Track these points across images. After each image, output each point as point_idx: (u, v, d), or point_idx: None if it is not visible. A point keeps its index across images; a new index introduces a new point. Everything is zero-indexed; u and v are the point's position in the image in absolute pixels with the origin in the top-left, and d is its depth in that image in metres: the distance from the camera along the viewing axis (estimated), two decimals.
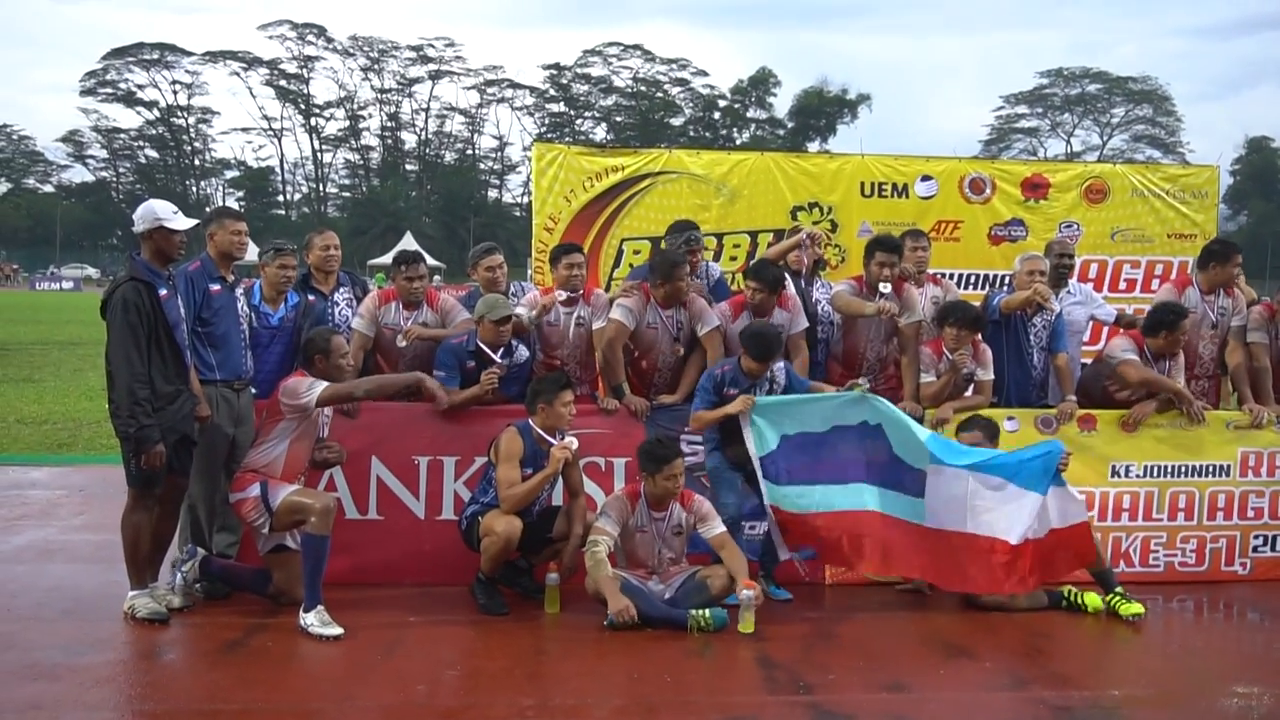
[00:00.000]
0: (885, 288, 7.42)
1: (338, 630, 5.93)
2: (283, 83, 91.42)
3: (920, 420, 7.27)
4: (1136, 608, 6.52)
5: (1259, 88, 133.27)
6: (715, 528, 6.46)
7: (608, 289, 8.30)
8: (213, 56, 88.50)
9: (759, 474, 6.80)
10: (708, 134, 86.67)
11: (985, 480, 6.50)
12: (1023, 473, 6.49)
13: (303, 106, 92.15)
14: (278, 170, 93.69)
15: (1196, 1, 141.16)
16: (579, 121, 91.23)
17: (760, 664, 5.76)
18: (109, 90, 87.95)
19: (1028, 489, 6.43)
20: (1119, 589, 6.64)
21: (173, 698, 5.29)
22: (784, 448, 6.78)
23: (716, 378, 6.89)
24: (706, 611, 6.19)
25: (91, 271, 66.58)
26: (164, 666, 5.79)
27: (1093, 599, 6.68)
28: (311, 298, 7.51)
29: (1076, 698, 5.31)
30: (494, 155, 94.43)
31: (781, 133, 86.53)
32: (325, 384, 6.27)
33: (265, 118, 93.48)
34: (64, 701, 4.99)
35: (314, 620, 5.98)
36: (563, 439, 6.53)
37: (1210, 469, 7.50)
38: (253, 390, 6.86)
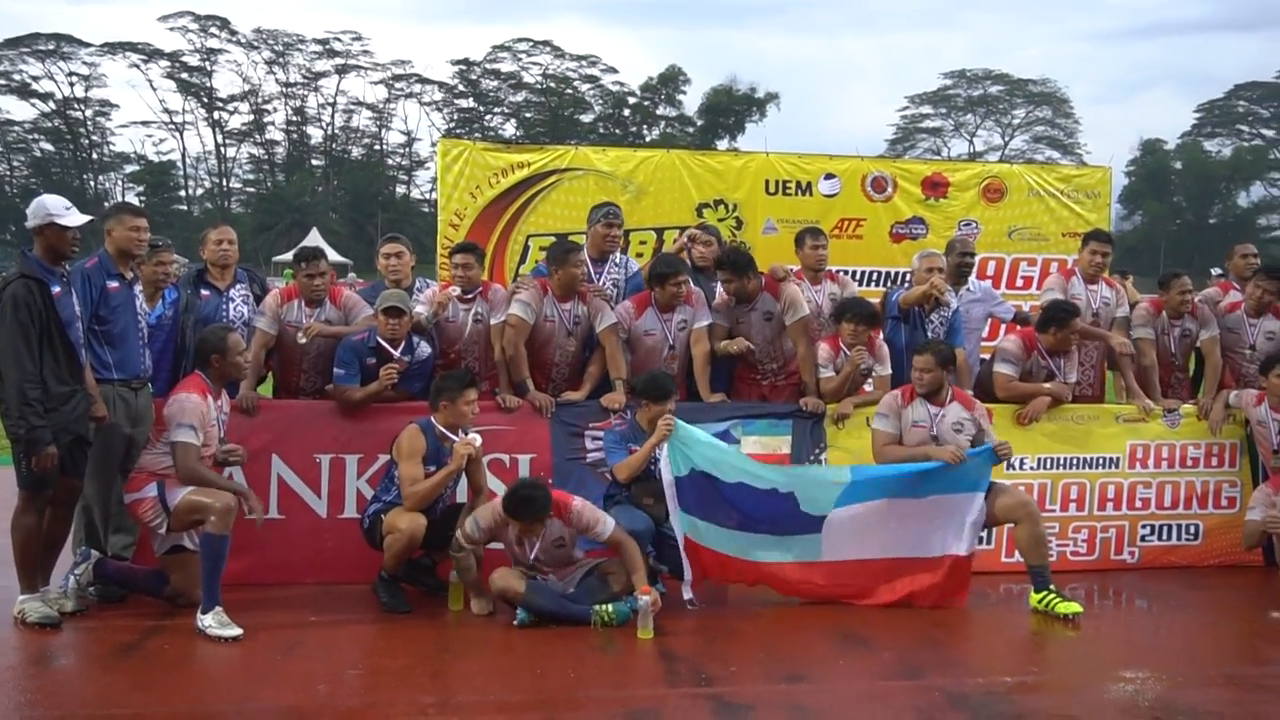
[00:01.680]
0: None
1: (236, 631, 5.84)
2: (184, 75, 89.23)
3: (822, 415, 7.41)
4: (1074, 606, 6.57)
5: (1154, 91, 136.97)
6: (605, 530, 6.34)
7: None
8: (111, 48, 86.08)
9: (672, 500, 6.63)
10: (618, 131, 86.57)
11: (897, 505, 6.75)
12: (956, 477, 6.71)
13: (205, 100, 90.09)
14: (179, 165, 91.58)
15: (1096, 6, 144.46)
16: (488, 117, 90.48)
17: (662, 658, 5.80)
18: (2, 82, 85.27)
19: (965, 492, 6.70)
20: (1053, 587, 6.68)
21: (65, 703, 5.17)
22: (690, 478, 6.67)
23: (617, 435, 6.90)
24: (610, 606, 6.19)
25: None
26: (56, 671, 5.66)
27: (1033, 596, 6.73)
28: (206, 293, 7.40)
29: (970, 685, 5.44)
30: (402, 150, 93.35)
31: (691, 130, 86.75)
32: (187, 441, 6.05)
33: (166, 111, 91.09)
34: None
35: (212, 621, 5.88)
36: (466, 435, 6.51)
37: (1100, 461, 7.74)
38: (150, 389, 6.73)
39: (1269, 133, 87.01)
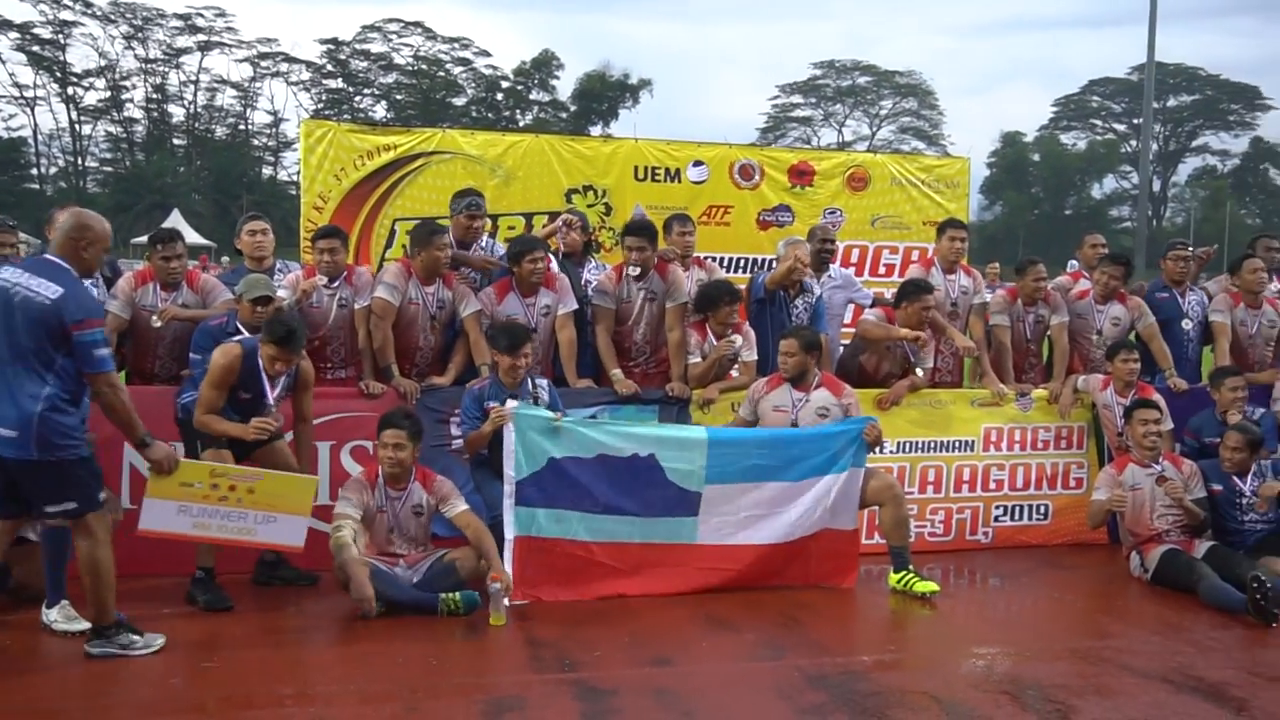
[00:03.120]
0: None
1: (84, 625, 5.60)
2: (36, 48, 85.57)
3: (688, 401, 7.46)
4: (931, 585, 6.72)
5: (1014, 84, 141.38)
6: (457, 506, 6.36)
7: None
8: None
9: (508, 499, 6.51)
10: (490, 115, 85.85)
11: (774, 487, 6.83)
12: (826, 452, 6.83)
13: (59, 75, 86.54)
14: (31, 142, 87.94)
15: (963, 0, 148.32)
16: (358, 99, 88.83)
17: (525, 644, 5.80)
18: None
19: (842, 470, 6.82)
20: (911, 567, 6.83)
21: None
22: (549, 471, 6.58)
23: (475, 394, 6.80)
24: (456, 594, 6.14)
25: None
26: None
27: (892, 576, 6.87)
28: None
29: (829, 664, 5.54)
30: (268, 131, 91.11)
31: (564, 115, 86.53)
32: None
33: (16, 85, 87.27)
34: None
35: (58, 616, 5.67)
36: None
37: (956, 444, 7.98)
38: None
39: (1120, 127, 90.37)
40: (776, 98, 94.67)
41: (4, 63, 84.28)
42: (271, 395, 6.27)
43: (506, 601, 6.09)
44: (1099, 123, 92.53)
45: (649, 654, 5.71)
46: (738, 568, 6.79)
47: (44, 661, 5.46)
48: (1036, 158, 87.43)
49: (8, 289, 5.16)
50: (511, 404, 6.59)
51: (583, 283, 7.91)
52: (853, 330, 8.82)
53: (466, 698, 5.05)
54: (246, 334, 6.57)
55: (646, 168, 10.16)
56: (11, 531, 5.82)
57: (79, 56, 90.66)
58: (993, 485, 8.05)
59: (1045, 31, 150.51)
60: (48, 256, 5.36)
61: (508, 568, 6.33)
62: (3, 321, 5.13)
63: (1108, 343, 8.34)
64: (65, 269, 5.23)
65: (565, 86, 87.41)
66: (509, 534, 6.47)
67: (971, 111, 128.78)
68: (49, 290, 5.10)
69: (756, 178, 10.35)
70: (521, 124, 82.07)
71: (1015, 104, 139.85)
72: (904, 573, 6.81)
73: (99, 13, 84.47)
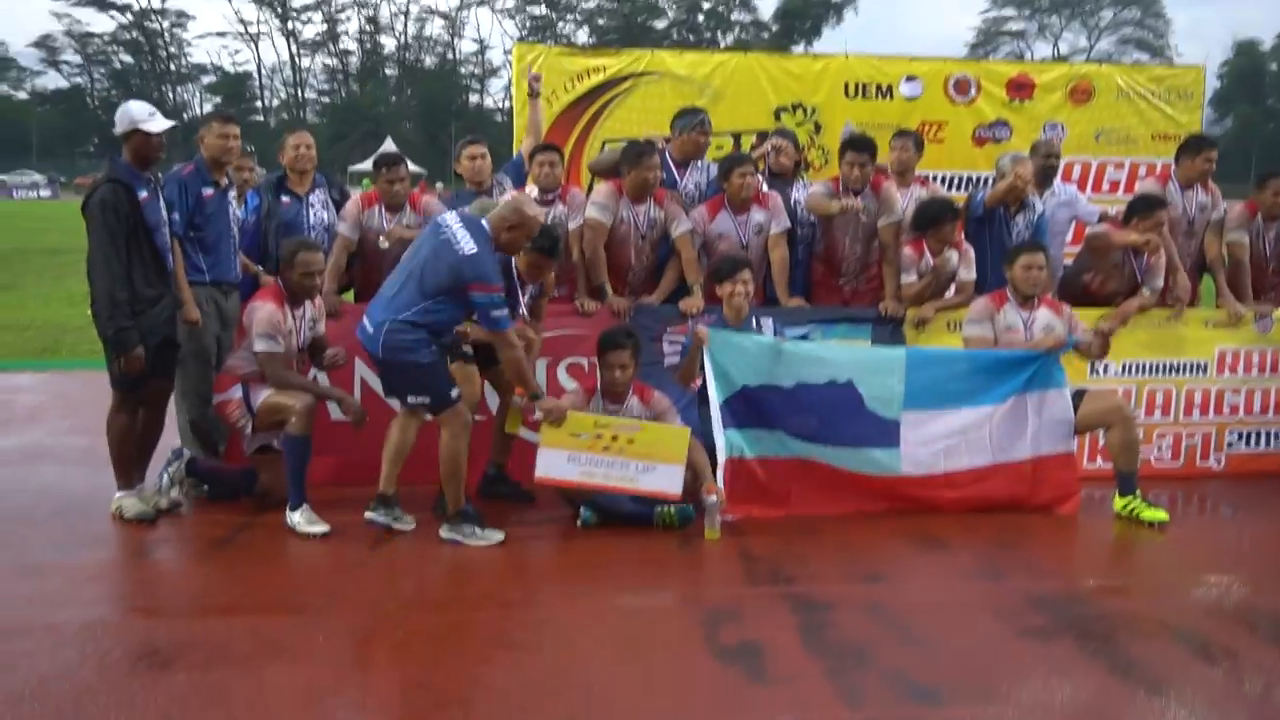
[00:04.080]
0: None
1: (324, 528, 6.00)
2: None
3: (902, 320, 7.33)
4: (1160, 514, 6.49)
5: None
6: (675, 424, 6.41)
7: (589, 192, 8.25)
8: None
9: (716, 422, 6.51)
10: (691, 36, 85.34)
11: (974, 413, 6.69)
12: (1026, 373, 6.67)
13: (279, 10, 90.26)
14: (255, 76, 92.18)
15: None
16: (561, 24, 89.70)
17: (740, 557, 5.85)
18: None
19: (1053, 388, 6.67)
20: (1138, 493, 6.62)
21: (163, 594, 5.39)
22: (741, 398, 6.54)
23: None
24: (671, 508, 6.23)
25: (37, 177, 64.85)
26: (154, 564, 5.87)
27: (1117, 501, 6.68)
28: (286, 199, 7.47)
29: (1051, 588, 5.42)
30: (475, 59, 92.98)
31: (766, 36, 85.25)
32: (269, 350, 6.19)
33: (241, 22, 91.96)
34: (57, 597, 5.05)
35: (300, 519, 6.04)
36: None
37: (1187, 367, 7.60)
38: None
39: None
40: (987, 11, 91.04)
41: (230, 1, 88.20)
42: (523, 302, 6.53)
43: (720, 516, 6.17)
44: None
45: (862, 570, 5.71)
46: (949, 494, 6.67)
47: (288, 560, 5.83)
48: (1274, 67, 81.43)
49: (440, 228, 5.90)
50: (703, 327, 6.60)
51: (793, 202, 7.83)
52: (1076, 250, 8.49)
53: (684, 607, 5.17)
54: None
55: (857, 84, 9.92)
56: (421, 414, 6.16)
57: None
58: (1227, 410, 7.65)
59: None
60: (482, 222, 5.93)
61: (720, 486, 6.39)
62: (423, 249, 5.93)
63: None
64: (487, 237, 5.86)
65: (767, 6, 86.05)
66: (720, 456, 6.50)
67: (1200, 19, 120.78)
68: (468, 246, 5.76)
69: (972, 92, 9.98)
70: (722, 45, 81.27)
71: (1250, 10, 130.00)
72: (1130, 498, 6.57)
73: None
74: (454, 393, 5.96)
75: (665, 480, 6.16)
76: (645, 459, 6.15)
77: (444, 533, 5.96)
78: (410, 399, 5.98)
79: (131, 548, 5.95)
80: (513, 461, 6.74)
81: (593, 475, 6.17)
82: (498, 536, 5.93)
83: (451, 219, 5.95)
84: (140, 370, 6.02)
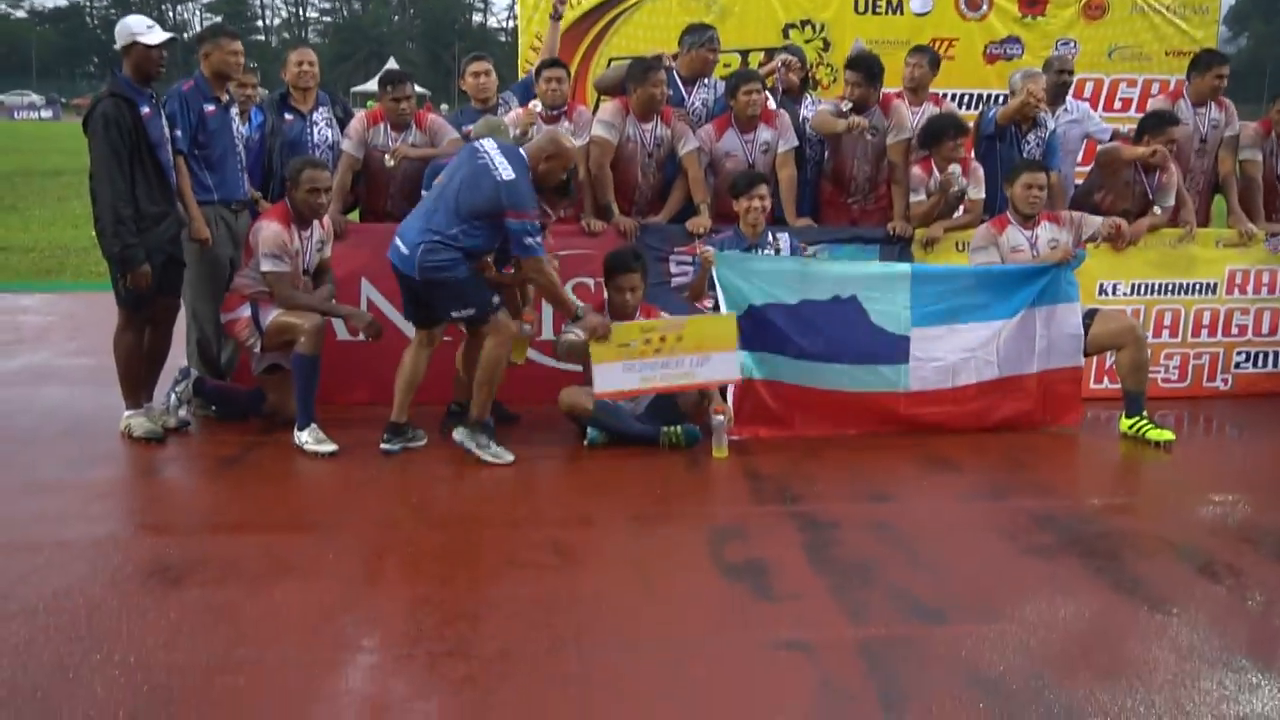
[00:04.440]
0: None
1: (332, 447, 6.02)
2: None
3: (910, 239, 7.28)
4: (1166, 434, 6.50)
5: None
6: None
7: (594, 110, 8.15)
8: None
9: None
10: None
11: (984, 328, 6.67)
12: (1035, 286, 6.65)
13: None
14: None
15: None
16: None
17: (746, 476, 5.87)
18: None
19: (1062, 302, 6.65)
20: (1145, 413, 6.61)
21: (172, 511, 5.43)
22: (749, 318, 6.49)
23: (714, 243, 6.73)
24: (678, 428, 6.25)
25: (35, 98, 64.23)
26: (163, 482, 5.90)
27: (1124, 421, 6.68)
28: (289, 116, 7.40)
29: (1056, 506, 5.44)
30: None
31: None
32: (277, 270, 6.18)
33: None
34: (67, 514, 5.09)
35: (308, 438, 6.06)
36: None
37: (1197, 287, 7.55)
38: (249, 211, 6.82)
39: None
40: None
41: None
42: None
43: (727, 436, 6.18)
44: None
45: (868, 489, 5.73)
46: (955, 410, 6.67)
47: (297, 478, 5.86)
48: None
49: (477, 152, 5.88)
50: (709, 249, 6.57)
51: (801, 120, 7.74)
52: (1087, 169, 8.40)
53: (691, 525, 5.19)
54: None
55: (866, 0, 9.77)
56: (437, 340, 6.27)
57: None
58: (1235, 330, 7.61)
59: None
60: (521, 150, 5.94)
61: (728, 405, 6.40)
62: (459, 172, 5.89)
63: None
64: (525, 165, 5.84)
65: None
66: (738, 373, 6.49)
67: None
68: (505, 172, 5.74)
69: (984, 8, 9.80)
70: None
71: None
72: (1137, 418, 6.57)
73: None
74: (495, 300, 5.98)
75: (723, 368, 6.23)
76: (698, 351, 6.18)
77: (457, 435, 6.01)
78: (454, 313, 5.98)
79: (140, 466, 5.98)
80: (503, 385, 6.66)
81: (651, 379, 6.19)
82: (508, 457, 5.94)
83: (489, 144, 5.92)
84: (146, 287, 6.00)
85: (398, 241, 5.94)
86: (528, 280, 6.18)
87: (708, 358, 6.20)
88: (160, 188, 6.09)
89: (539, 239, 5.88)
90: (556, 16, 8.28)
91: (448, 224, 5.78)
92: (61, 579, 4.33)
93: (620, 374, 6.15)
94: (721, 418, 6.13)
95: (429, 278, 5.82)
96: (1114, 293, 7.42)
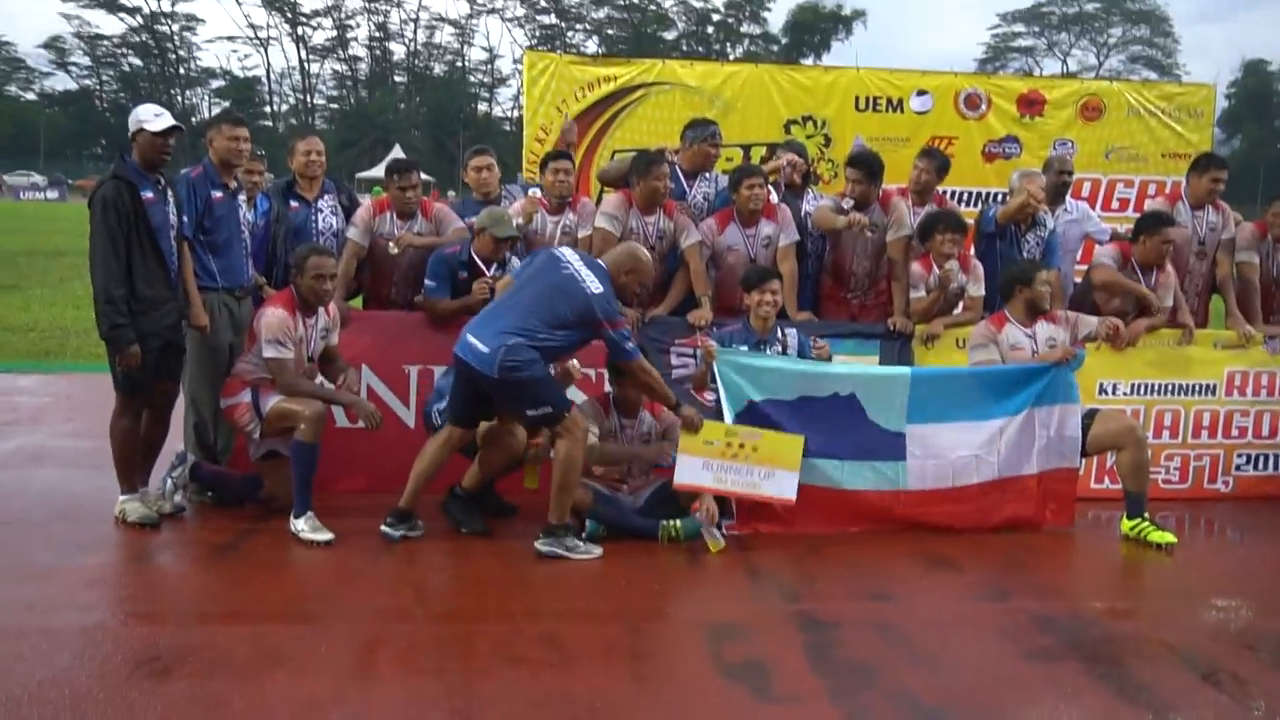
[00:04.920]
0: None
1: (328, 535, 5.97)
2: None
3: (910, 336, 7.30)
4: (1168, 536, 6.44)
5: (1257, 9, 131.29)
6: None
7: (598, 201, 8.24)
8: None
9: None
10: (700, 48, 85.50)
11: (983, 427, 6.66)
12: (1035, 386, 6.65)
13: (289, 15, 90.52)
14: (264, 80, 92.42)
15: None
16: (570, 34, 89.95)
17: (746, 574, 5.82)
18: None
19: (1061, 403, 6.64)
20: (1146, 514, 6.57)
21: (164, 599, 5.36)
22: (749, 414, 6.52)
23: (720, 336, 6.77)
24: (677, 521, 6.21)
25: (38, 179, 64.97)
26: (156, 569, 5.83)
27: (1125, 523, 6.63)
28: (294, 204, 7.45)
29: (1058, 609, 5.37)
30: (484, 68, 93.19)
31: (775, 49, 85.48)
32: (280, 357, 6.16)
33: (251, 26, 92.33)
34: (56, 601, 5.02)
35: (304, 526, 6.02)
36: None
37: (1196, 388, 7.55)
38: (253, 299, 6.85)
39: None
40: (996, 27, 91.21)
41: (240, 4, 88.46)
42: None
43: (719, 532, 6.15)
44: None
45: (869, 588, 5.67)
46: (955, 510, 6.63)
47: (292, 567, 5.80)
48: None
49: (559, 261, 6.01)
50: (711, 343, 6.60)
51: (802, 214, 7.82)
52: (1085, 268, 8.46)
53: (689, 622, 5.14)
54: (481, 264, 6.89)
55: (868, 98, 9.96)
56: (467, 440, 6.30)
57: None
58: (1235, 432, 7.60)
59: None
60: (600, 261, 6.15)
61: (732, 502, 6.41)
62: (541, 279, 5.98)
63: None
64: (608, 277, 5.99)
65: (776, 19, 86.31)
66: None
67: (1209, 38, 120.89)
68: (594, 285, 5.87)
69: (983, 107, 10.01)
70: (732, 57, 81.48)
71: (1259, 29, 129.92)
72: (1138, 520, 6.53)
73: None
74: (571, 399, 6.02)
75: (783, 485, 6.35)
76: (766, 464, 6.32)
77: (542, 546, 5.90)
78: (530, 412, 5.92)
79: (133, 552, 5.91)
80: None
81: (724, 481, 6.31)
82: (597, 551, 5.94)
83: (570, 255, 6.09)
84: (137, 369, 5.98)
85: (472, 339, 5.87)
86: (636, 381, 6.22)
87: (773, 473, 6.33)
88: (159, 272, 6.09)
89: (634, 343, 6.05)
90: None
91: (533, 328, 5.80)
92: (47, 669, 4.26)
93: (700, 469, 6.28)
94: (701, 513, 6.16)
95: (508, 376, 5.75)
96: (1114, 392, 7.42)
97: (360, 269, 7.42)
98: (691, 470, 6.26)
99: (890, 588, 5.71)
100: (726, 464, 6.29)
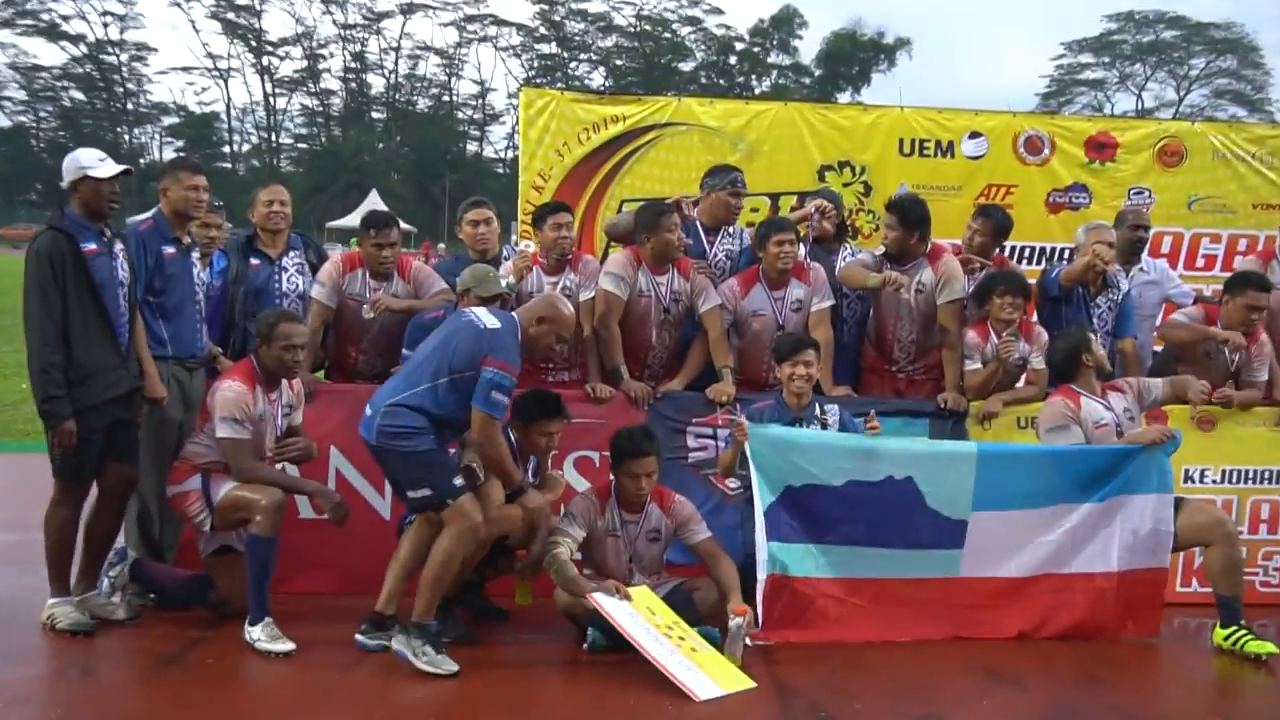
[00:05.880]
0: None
1: (289, 646, 5.94)
2: (230, 15, 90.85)
3: (964, 414, 7.30)
4: (1268, 646, 6.40)
5: None
6: (700, 533, 6.40)
7: (603, 258, 8.27)
8: None
9: (759, 532, 6.47)
10: (722, 81, 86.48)
11: (1058, 513, 6.66)
12: (1124, 472, 6.62)
13: (253, 44, 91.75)
14: (224, 117, 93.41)
15: None
16: (573, 65, 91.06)
17: (775, 691, 5.78)
18: (28, 22, 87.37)
19: (1152, 492, 6.59)
20: (1243, 622, 6.52)
21: None
22: (787, 500, 6.51)
23: (751, 413, 6.77)
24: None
25: None
26: (90, 684, 5.79)
27: (1218, 632, 6.58)
28: (255, 261, 7.50)
29: None
30: (474, 103, 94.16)
31: (808, 81, 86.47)
32: (234, 436, 6.16)
33: (210, 56, 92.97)
34: None
35: (261, 634, 5.99)
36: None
37: None
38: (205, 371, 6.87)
39: None
40: (1061, 57, 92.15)
41: (198, 31, 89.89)
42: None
43: (748, 641, 6.10)
44: None
45: (918, 709, 5.63)
46: (1015, 607, 6.62)
47: (247, 682, 5.78)
48: None
49: (463, 313, 6.19)
50: (742, 419, 6.59)
51: (836, 273, 7.83)
52: None
53: None
54: None
55: (913, 140, 9.99)
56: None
57: (274, 23, 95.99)
58: None
59: None
60: (512, 314, 6.21)
61: (758, 606, 6.32)
62: (440, 332, 6.12)
63: None
64: (515, 325, 6.03)
65: (809, 48, 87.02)
66: (760, 573, 6.42)
67: None
68: (490, 322, 5.97)
69: (1046, 151, 10.04)
70: (758, 91, 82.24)
71: None
72: (1234, 629, 6.48)
73: None
74: (457, 482, 5.91)
75: (701, 687, 5.73)
76: (697, 666, 5.85)
77: (394, 643, 5.88)
78: (409, 494, 5.94)
79: (65, 664, 5.90)
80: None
81: (640, 637, 5.91)
82: (451, 667, 5.74)
83: (478, 313, 6.13)
84: (73, 450, 5.97)
85: (367, 408, 5.98)
86: (473, 441, 6.06)
87: (698, 673, 5.77)
88: (103, 337, 6.08)
89: (506, 401, 5.87)
90: None
91: (415, 383, 5.86)
92: None
93: (628, 613, 6.00)
94: (741, 620, 6.02)
95: (384, 444, 5.84)
96: (1201, 479, 7.41)
97: (326, 333, 7.42)
98: (619, 606, 6.01)
99: (942, 708, 5.67)
100: (658, 634, 5.96)
